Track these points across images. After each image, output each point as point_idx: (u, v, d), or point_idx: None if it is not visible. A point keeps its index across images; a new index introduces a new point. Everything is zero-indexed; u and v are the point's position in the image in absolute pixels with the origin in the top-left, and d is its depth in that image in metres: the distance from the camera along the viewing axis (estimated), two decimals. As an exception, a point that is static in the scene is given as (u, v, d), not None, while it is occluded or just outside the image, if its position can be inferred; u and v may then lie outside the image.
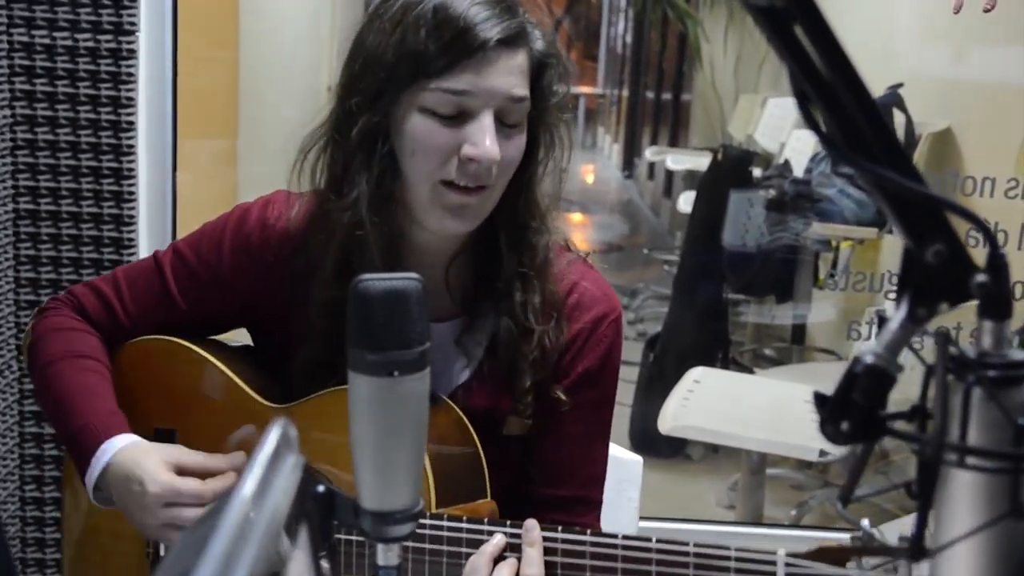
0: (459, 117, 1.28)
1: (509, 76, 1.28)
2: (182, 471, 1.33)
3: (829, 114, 0.66)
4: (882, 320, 0.72)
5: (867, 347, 0.70)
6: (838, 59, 0.65)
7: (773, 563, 1.18)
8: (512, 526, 1.26)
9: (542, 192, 1.39)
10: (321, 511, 0.86)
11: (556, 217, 1.42)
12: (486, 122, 1.27)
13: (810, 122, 0.67)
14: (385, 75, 1.28)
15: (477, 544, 1.26)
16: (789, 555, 1.18)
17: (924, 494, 0.66)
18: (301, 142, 1.37)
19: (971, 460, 0.66)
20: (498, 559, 1.25)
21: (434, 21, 1.26)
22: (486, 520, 1.28)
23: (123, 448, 1.34)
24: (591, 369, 1.43)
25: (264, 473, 0.54)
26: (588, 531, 1.23)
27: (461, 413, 1.40)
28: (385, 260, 1.31)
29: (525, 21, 1.31)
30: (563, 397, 1.41)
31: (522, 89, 1.29)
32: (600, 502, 1.48)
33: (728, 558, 1.19)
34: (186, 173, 3.01)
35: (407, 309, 0.82)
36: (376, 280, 0.81)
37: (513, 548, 1.25)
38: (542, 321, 1.39)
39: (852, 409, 0.69)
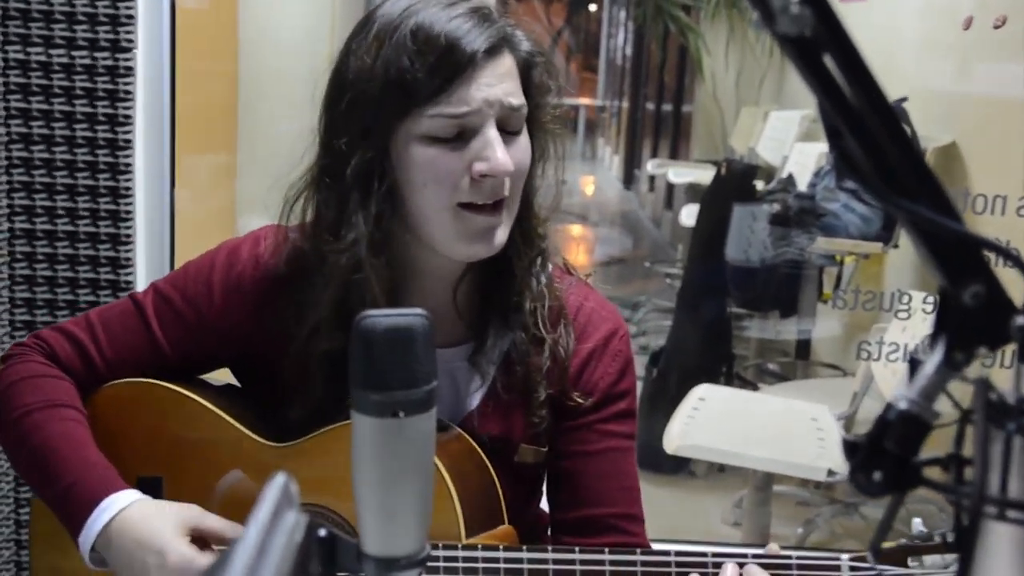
0: (462, 136, 1.24)
1: (502, 83, 1.24)
2: (199, 536, 1.27)
3: (861, 147, 0.63)
4: (914, 363, 0.68)
5: (900, 392, 0.66)
6: (870, 90, 0.62)
7: (838, 567, 1.19)
8: (582, 551, 1.24)
9: (540, 199, 1.37)
10: (323, 557, 0.83)
11: (554, 231, 1.40)
12: (491, 135, 1.23)
13: (842, 157, 0.64)
14: (374, 109, 1.23)
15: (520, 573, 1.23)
16: (852, 559, 1.19)
17: (964, 550, 0.62)
18: (285, 192, 1.31)
19: (1013, 513, 0.62)
20: None
21: (415, 45, 1.21)
22: (551, 549, 1.26)
23: (130, 507, 1.26)
24: (613, 383, 1.41)
25: (262, 537, 0.50)
26: (672, 552, 1.23)
27: (471, 440, 1.37)
28: (388, 300, 1.26)
29: (505, 25, 1.27)
30: (582, 402, 1.38)
31: (517, 96, 1.26)
32: (643, 517, 1.44)
33: (790, 566, 1.21)
34: (184, 189, 2.99)
35: (412, 346, 0.78)
36: (380, 317, 0.78)
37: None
38: (551, 330, 1.37)
39: (885, 458, 0.66)
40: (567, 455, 1.40)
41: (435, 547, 1.23)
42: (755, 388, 4.06)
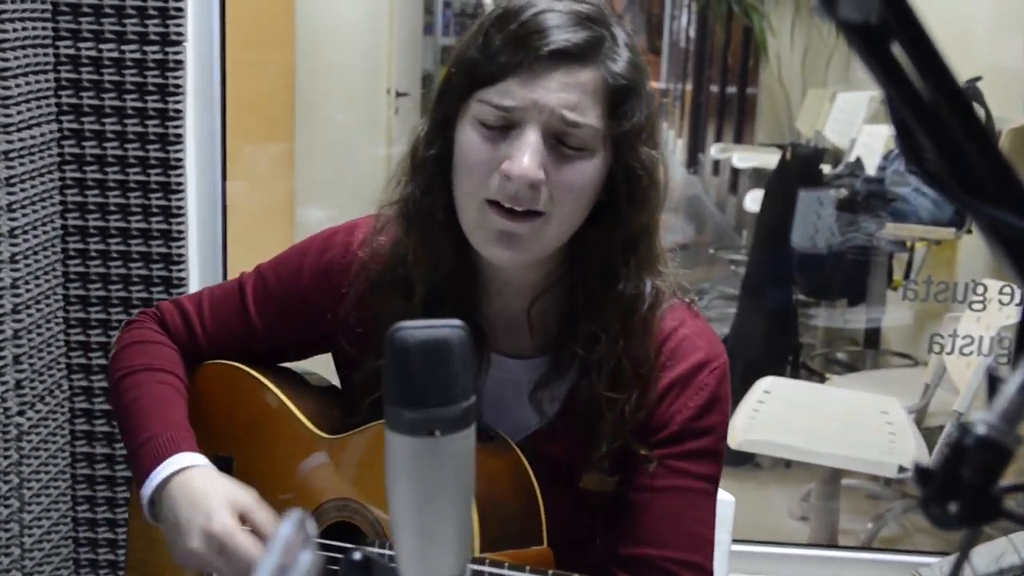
0: (504, 130, 1.19)
1: (562, 93, 1.16)
2: (244, 520, 1.26)
3: (934, 145, 0.57)
4: (993, 381, 0.62)
5: (979, 416, 0.60)
6: (944, 81, 0.55)
7: None
8: None
9: (652, 234, 1.26)
10: (358, 580, 0.79)
11: (666, 261, 1.30)
12: (529, 139, 1.17)
13: (912, 156, 0.58)
14: (447, 85, 1.24)
15: None
16: None
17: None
18: (392, 170, 1.33)
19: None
20: None
21: (490, 29, 1.19)
22: (527, 569, 1.18)
23: (193, 468, 1.29)
24: (692, 417, 1.29)
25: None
26: None
27: (519, 452, 1.30)
28: (463, 287, 1.26)
29: (604, 36, 1.19)
30: (645, 453, 1.28)
31: (581, 113, 1.17)
32: (710, 571, 1.32)
33: None
34: (242, 180, 2.97)
35: (449, 360, 0.73)
36: (414, 328, 0.73)
37: None
38: (631, 386, 1.27)
39: (961, 487, 0.60)
40: (632, 486, 1.30)
41: None
42: (822, 379, 3.95)
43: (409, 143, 1.31)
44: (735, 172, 6.95)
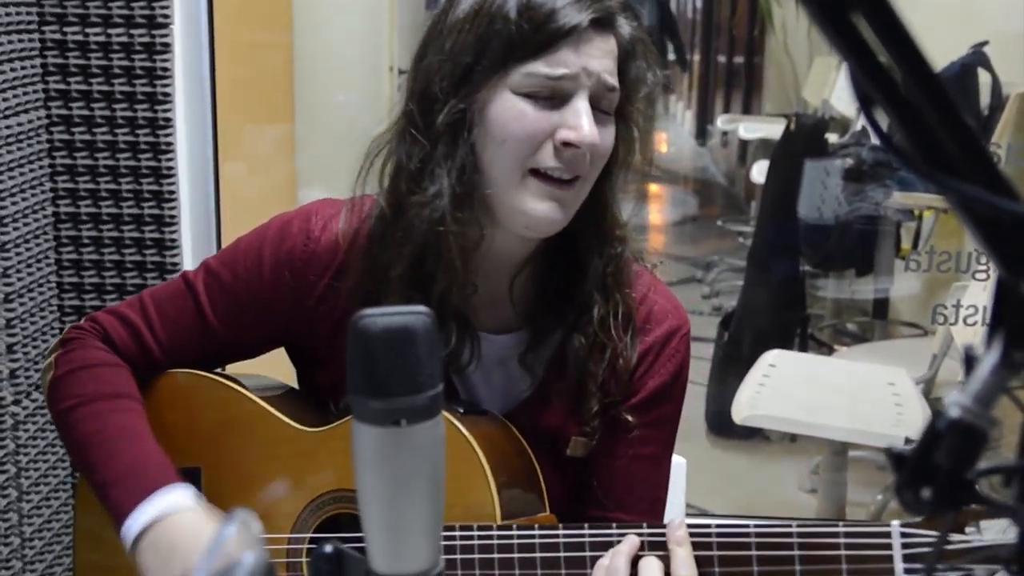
0: (553, 100, 1.21)
1: (603, 59, 1.22)
2: None
3: (899, 120, 0.54)
4: (969, 360, 0.60)
5: (952, 398, 0.58)
6: (908, 52, 0.53)
7: (888, 535, 1.10)
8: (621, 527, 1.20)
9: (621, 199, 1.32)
10: (330, 574, 0.77)
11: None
12: (582, 105, 1.21)
13: (877, 130, 0.55)
14: (471, 59, 1.22)
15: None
16: (904, 524, 1.10)
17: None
18: (368, 147, 1.30)
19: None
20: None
21: (524, 1, 1.20)
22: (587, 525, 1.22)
23: (177, 514, 1.24)
24: (663, 385, 1.36)
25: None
26: (751, 523, 1.16)
27: (513, 428, 1.33)
28: (463, 262, 1.24)
29: (615, 5, 1.25)
30: (631, 419, 1.34)
31: (614, 77, 1.24)
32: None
33: (837, 535, 1.13)
34: (242, 162, 2.95)
35: (414, 348, 0.71)
36: (377, 316, 0.71)
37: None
38: (619, 336, 1.32)
39: (935, 473, 0.58)
40: (602, 452, 1.35)
41: (468, 528, 1.21)
42: (831, 350, 3.93)
43: (405, 121, 1.27)
44: (744, 143, 6.90)
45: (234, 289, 1.36)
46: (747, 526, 1.16)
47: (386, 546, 0.74)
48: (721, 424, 3.59)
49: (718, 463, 3.63)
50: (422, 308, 0.72)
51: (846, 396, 2.77)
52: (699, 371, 4.01)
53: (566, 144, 1.20)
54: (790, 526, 1.15)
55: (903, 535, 1.08)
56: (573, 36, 1.20)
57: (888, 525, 1.10)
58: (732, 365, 3.68)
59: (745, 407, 2.70)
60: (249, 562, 0.49)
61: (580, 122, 1.20)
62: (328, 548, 0.77)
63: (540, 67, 1.20)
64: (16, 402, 1.88)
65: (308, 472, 1.34)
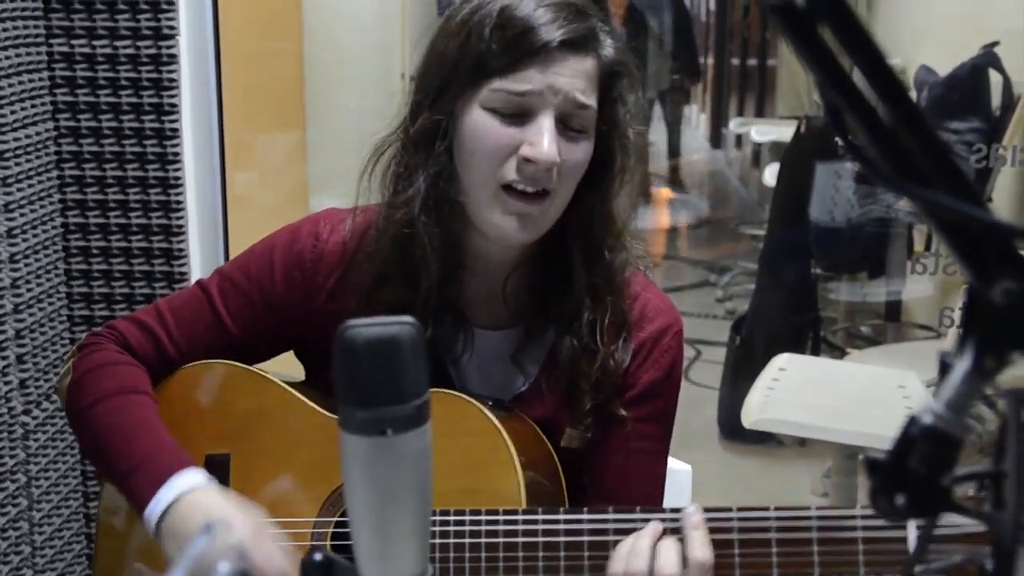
0: (520, 117, 1.26)
1: (572, 79, 1.25)
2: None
3: (866, 130, 0.55)
4: (944, 366, 0.60)
5: (925, 405, 0.58)
6: (873, 64, 0.54)
7: (853, 517, 1.14)
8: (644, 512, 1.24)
9: (618, 207, 1.35)
10: (321, 582, 0.78)
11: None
12: (546, 123, 1.25)
13: (845, 139, 0.56)
14: (447, 73, 1.28)
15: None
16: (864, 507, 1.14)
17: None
18: (372, 146, 1.36)
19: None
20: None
21: (498, 21, 1.25)
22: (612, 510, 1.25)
23: (193, 492, 1.26)
24: (656, 381, 1.39)
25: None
26: (772, 507, 1.19)
27: (533, 423, 1.37)
28: (443, 264, 1.30)
29: (596, 27, 1.29)
30: (625, 414, 1.37)
31: (587, 96, 1.27)
32: None
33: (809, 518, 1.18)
34: (253, 171, 2.97)
35: (399, 358, 0.72)
36: (363, 327, 0.72)
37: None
38: (609, 341, 1.35)
39: (909, 479, 0.58)
40: (597, 447, 1.39)
41: (494, 512, 1.25)
42: (843, 353, 3.92)
43: (400, 127, 1.33)
44: (758, 146, 6.90)
45: (247, 292, 1.41)
46: (767, 508, 1.19)
47: (374, 552, 0.75)
48: (734, 429, 3.59)
49: (730, 467, 3.63)
50: (407, 318, 0.73)
51: (856, 399, 2.76)
52: (712, 376, 4.01)
53: (527, 160, 1.24)
54: (809, 509, 1.18)
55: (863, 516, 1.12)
56: (541, 55, 1.24)
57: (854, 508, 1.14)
58: (744, 369, 3.67)
59: (755, 411, 2.70)
60: (224, 572, 0.50)
61: (540, 139, 1.24)
62: (318, 556, 0.78)
63: (507, 84, 1.25)
64: (27, 412, 1.89)
65: (336, 457, 1.36)
